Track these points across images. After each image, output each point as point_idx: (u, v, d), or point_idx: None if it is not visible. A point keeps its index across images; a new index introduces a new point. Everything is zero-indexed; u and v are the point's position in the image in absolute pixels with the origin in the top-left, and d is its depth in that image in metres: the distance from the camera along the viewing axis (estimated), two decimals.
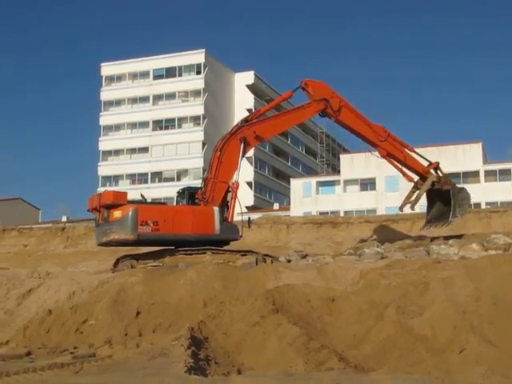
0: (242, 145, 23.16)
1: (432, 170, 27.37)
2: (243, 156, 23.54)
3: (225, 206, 23.00)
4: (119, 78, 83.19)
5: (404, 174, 27.98)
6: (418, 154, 27.26)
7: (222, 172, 22.88)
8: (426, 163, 27.46)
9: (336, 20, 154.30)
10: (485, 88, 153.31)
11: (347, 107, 25.57)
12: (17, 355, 14.51)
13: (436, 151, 61.79)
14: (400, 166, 27.53)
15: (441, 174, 27.53)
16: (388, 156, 26.91)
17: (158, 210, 22.97)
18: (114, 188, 79.44)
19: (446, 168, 60.19)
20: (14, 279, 19.78)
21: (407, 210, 28.63)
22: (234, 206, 22.73)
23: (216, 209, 22.08)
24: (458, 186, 29.10)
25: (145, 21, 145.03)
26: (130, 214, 21.57)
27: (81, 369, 12.37)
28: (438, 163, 27.55)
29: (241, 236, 22.59)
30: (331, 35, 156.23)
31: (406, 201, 27.89)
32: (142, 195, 24.80)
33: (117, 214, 21.57)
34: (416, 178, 27.91)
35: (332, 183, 68.07)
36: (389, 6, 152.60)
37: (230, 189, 22.93)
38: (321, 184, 68.45)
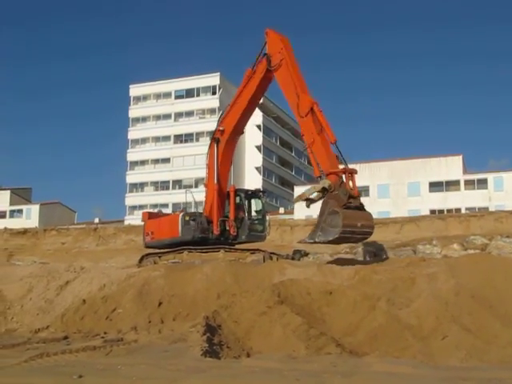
0: (216, 145, 21.73)
1: (333, 177, 18.23)
2: (225, 156, 21.92)
3: (222, 209, 21.92)
4: (145, 97, 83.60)
5: (314, 166, 19.14)
6: (340, 154, 18.91)
7: (210, 178, 22.06)
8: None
9: (341, 32, 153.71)
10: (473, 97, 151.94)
11: (287, 67, 19.29)
12: (55, 339, 14.57)
13: (421, 163, 61.80)
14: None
15: (347, 186, 17.96)
16: (303, 137, 19.72)
17: (155, 221, 23.93)
18: (139, 194, 79.72)
19: (430, 178, 60.79)
20: (53, 272, 19.81)
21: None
22: (231, 208, 21.65)
23: (180, 215, 22.34)
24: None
25: (167, 44, 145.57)
26: (143, 226, 24.37)
27: (110, 351, 12.39)
28: (347, 171, 18.25)
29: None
30: (334, 47, 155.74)
31: (301, 196, 19.87)
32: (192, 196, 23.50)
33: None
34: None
35: None
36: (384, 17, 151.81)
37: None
38: None
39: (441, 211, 53.16)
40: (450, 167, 61.09)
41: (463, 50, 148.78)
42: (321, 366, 10.38)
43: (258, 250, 21.56)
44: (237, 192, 22.02)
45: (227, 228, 21.40)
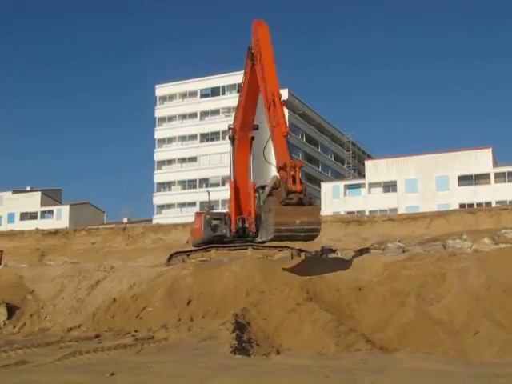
0: (231, 143, 22.32)
1: (282, 172, 17.07)
2: (241, 154, 22.26)
3: (241, 207, 21.82)
4: (171, 97, 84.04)
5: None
6: (288, 146, 17.71)
7: (231, 176, 22.39)
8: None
9: (354, 28, 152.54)
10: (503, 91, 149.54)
11: (260, 60, 18.70)
12: (87, 337, 14.77)
13: (450, 156, 61.08)
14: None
15: (287, 182, 16.52)
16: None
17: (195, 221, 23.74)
18: (166, 193, 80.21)
19: (460, 171, 60.05)
20: (83, 272, 20.06)
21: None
22: (251, 205, 21.39)
23: (203, 215, 22.30)
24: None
25: (192, 44, 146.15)
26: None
27: (141, 349, 12.51)
28: (288, 165, 16.79)
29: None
30: (356, 44, 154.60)
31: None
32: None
33: None
34: None
35: (358, 186, 67.79)
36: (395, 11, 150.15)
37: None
38: (348, 187, 68.22)
39: (470, 205, 52.41)
40: (480, 160, 60.22)
41: (490, 45, 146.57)
42: (351, 362, 10.34)
43: (286, 247, 21.49)
44: (256, 189, 21.98)
45: (247, 226, 21.24)
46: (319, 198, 72.81)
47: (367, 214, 56.26)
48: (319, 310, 13.88)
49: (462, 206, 53.23)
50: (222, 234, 21.66)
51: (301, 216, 16.18)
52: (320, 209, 16.86)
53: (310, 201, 16.62)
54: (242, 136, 22.16)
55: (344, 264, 18.42)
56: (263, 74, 18.58)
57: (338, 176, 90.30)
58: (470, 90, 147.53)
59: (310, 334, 12.97)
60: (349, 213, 57.71)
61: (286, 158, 17.18)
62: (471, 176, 59.53)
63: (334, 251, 24.46)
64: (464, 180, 60.03)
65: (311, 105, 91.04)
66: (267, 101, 18.40)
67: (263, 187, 22.01)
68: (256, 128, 22.38)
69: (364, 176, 69.06)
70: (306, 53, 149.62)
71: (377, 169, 65.44)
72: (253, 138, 22.44)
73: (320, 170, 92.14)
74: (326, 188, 69.23)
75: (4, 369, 10.07)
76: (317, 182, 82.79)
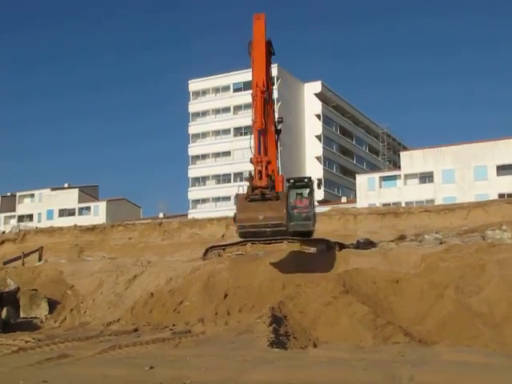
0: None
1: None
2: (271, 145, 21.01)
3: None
4: (204, 92, 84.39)
5: None
6: (260, 141, 17.05)
7: None
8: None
9: (391, 20, 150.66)
10: None
11: (252, 53, 18.60)
12: (126, 331, 14.97)
13: (488, 146, 60.00)
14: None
15: (254, 178, 16.64)
16: None
17: None
18: (201, 187, 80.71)
19: (498, 161, 58.91)
20: (121, 267, 20.31)
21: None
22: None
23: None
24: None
25: (224, 38, 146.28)
26: None
27: (179, 343, 12.63)
28: (253, 160, 16.84)
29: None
30: (389, 36, 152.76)
31: None
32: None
33: None
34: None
35: (393, 178, 67.11)
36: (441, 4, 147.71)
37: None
38: (383, 179, 67.59)
39: (510, 195, 51.42)
40: None
41: None
42: (389, 355, 10.27)
43: (321, 239, 21.43)
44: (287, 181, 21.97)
45: None
46: (354, 190, 72.42)
47: (403, 205, 55.70)
48: (356, 302, 13.82)
49: (501, 196, 52.20)
50: None
51: (264, 211, 15.88)
52: (285, 203, 16.24)
53: (276, 196, 16.20)
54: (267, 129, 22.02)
55: (380, 256, 18.28)
56: (252, 67, 18.52)
57: (373, 168, 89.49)
58: (506, 80, 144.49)
59: (347, 327, 12.93)
60: (384, 205, 57.15)
61: (256, 154, 16.81)
62: (511, 165, 58.35)
63: (370, 243, 24.30)
64: (503, 169, 58.81)
65: (345, 97, 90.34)
66: (252, 94, 18.03)
67: (290, 180, 21.99)
68: (280, 121, 22.23)
69: (399, 167, 68.31)
70: (340, 45, 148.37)
71: (412, 160, 64.67)
72: (279, 131, 22.20)
73: (355, 162, 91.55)
74: (361, 180, 68.70)
75: (47, 362, 10.29)
76: (352, 174, 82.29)
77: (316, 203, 21.74)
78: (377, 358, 9.93)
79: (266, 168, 16.30)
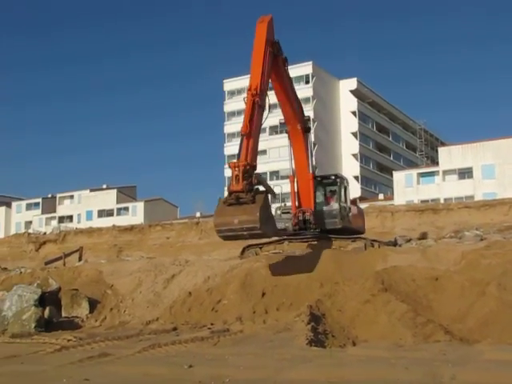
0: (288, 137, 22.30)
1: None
2: (296, 147, 21.92)
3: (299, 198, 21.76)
4: (239, 91, 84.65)
5: None
6: (239, 148, 17.32)
7: (290, 169, 22.47)
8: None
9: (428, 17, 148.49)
10: None
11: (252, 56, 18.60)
12: (165, 330, 15.10)
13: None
14: None
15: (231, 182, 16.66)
16: None
17: None
18: None
19: None
20: (159, 266, 20.48)
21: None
22: (310, 196, 21.32)
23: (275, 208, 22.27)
24: None
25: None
26: None
27: (218, 341, 12.69)
28: (232, 164, 16.78)
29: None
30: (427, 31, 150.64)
31: None
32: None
33: None
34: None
35: (431, 174, 66.33)
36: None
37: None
38: (421, 175, 66.86)
39: None
40: None
41: None
42: (430, 354, 10.14)
43: (358, 237, 21.30)
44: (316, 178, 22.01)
45: (308, 218, 21.11)
46: (391, 187, 71.72)
47: (442, 202, 54.96)
48: (395, 300, 13.67)
49: None
50: (283, 227, 21.76)
51: (239, 215, 15.97)
52: (261, 206, 16.01)
53: (252, 199, 16.11)
54: (291, 129, 21.99)
55: (419, 253, 18.05)
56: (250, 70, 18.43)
57: (411, 164, 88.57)
58: None
59: (386, 326, 12.80)
60: (422, 201, 56.53)
61: (241, 158, 16.91)
62: None
63: (408, 240, 24.04)
64: None
65: (381, 92, 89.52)
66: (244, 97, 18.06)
67: (316, 177, 21.95)
68: (308, 118, 22.22)
69: (437, 163, 67.45)
70: (376, 41, 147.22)
71: (451, 155, 63.76)
72: (307, 130, 22.10)
73: (392, 158, 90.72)
74: (399, 177, 68.05)
75: (88, 360, 10.46)
76: (388, 171, 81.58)
77: (344, 200, 21.50)
78: (417, 357, 9.81)
79: (243, 172, 16.33)
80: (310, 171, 21.52)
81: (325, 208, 21.37)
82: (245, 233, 16.21)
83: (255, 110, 17.58)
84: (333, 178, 22.26)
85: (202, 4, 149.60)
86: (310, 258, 18.58)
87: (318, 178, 21.97)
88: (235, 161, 16.80)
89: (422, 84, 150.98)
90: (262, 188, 17.24)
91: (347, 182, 22.30)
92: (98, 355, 10.92)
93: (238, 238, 17.28)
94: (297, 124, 21.74)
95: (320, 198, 21.77)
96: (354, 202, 23.87)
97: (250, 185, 16.33)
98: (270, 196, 17.61)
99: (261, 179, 17.44)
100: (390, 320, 12.88)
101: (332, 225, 20.95)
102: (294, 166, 22.05)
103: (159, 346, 11.89)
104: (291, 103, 21.43)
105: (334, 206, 21.18)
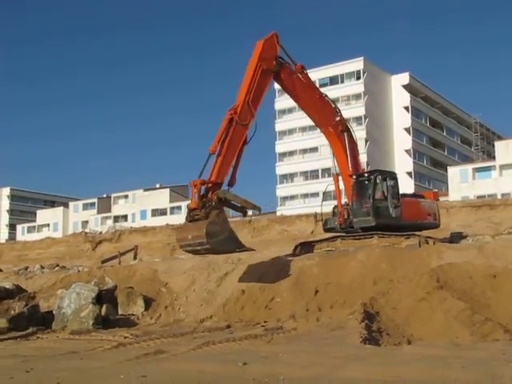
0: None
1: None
2: (337, 147, 22.43)
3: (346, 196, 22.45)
4: None
5: None
6: (204, 165, 17.89)
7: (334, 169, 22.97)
8: None
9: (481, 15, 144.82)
10: None
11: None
12: (219, 328, 15.25)
13: None
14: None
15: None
16: None
17: None
18: (289, 184, 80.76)
19: None
20: (213, 265, 20.66)
21: None
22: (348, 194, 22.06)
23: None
24: None
25: (309, 35, 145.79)
26: None
27: (271, 339, 12.73)
28: (192, 183, 17.76)
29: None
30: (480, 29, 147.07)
31: None
32: None
33: None
34: None
35: (488, 169, 64.69)
36: None
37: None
38: (477, 170, 65.31)
39: None
40: None
41: None
42: (488, 353, 9.91)
43: (412, 234, 20.95)
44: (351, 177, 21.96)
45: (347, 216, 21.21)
46: (445, 182, 70.33)
47: (499, 197, 53.55)
48: (451, 298, 13.40)
49: None
50: (331, 226, 21.85)
51: (191, 231, 17.04)
52: (209, 222, 16.77)
53: (206, 215, 16.99)
54: (324, 131, 22.26)
55: (476, 250, 17.64)
56: None
57: (466, 159, 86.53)
58: None
59: (442, 324, 12.57)
60: (478, 197, 55.22)
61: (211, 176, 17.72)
62: None
63: (464, 237, 23.51)
64: None
65: (434, 87, 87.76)
66: None
67: (352, 176, 21.75)
68: (341, 120, 22.08)
69: (494, 158, 65.72)
70: (428, 38, 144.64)
71: (508, 149, 62.02)
72: (343, 130, 22.05)
73: (446, 153, 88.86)
74: (453, 172, 66.65)
75: (145, 357, 10.66)
76: (443, 166, 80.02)
77: (381, 197, 21.24)
78: (475, 356, 9.60)
79: (199, 190, 17.37)
80: (350, 170, 21.64)
81: (355, 207, 21.33)
82: (198, 248, 17.11)
83: (231, 127, 18.12)
84: (366, 175, 22.01)
85: (256, 4, 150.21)
86: (363, 255, 18.40)
87: (354, 176, 21.85)
88: (196, 179, 17.52)
89: (476, 79, 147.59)
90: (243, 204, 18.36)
91: (392, 178, 21.81)
92: (153, 352, 11.12)
93: (196, 253, 18.11)
94: (327, 127, 21.84)
95: (357, 196, 21.68)
96: (424, 195, 23.99)
97: (206, 202, 17.20)
98: (251, 210, 19.13)
99: (228, 196, 17.94)
100: (446, 318, 12.64)
101: (366, 223, 20.78)
102: (336, 165, 22.25)
103: (213, 343, 12.01)
104: (311, 109, 21.63)
105: (367, 203, 21.08)
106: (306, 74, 20.98)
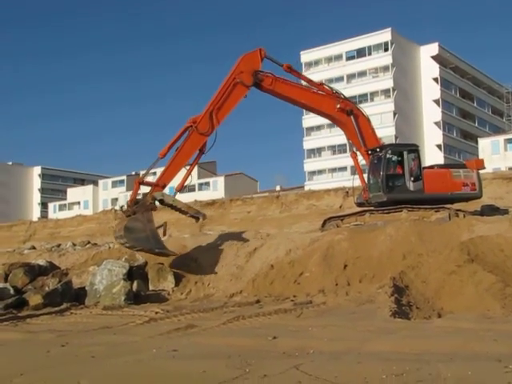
0: None
1: None
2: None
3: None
4: (316, 62, 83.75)
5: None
6: (151, 168, 19.84)
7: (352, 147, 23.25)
8: None
9: None
10: None
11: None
12: (249, 302, 15.39)
13: None
14: None
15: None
16: None
17: None
18: (317, 159, 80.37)
19: None
20: (241, 240, 20.77)
21: None
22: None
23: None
24: None
25: (333, 6, 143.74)
26: None
27: (301, 313, 12.80)
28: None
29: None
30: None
31: None
32: None
33: None
34: None
35: None
36: None
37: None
38: (509, 141, 64.16)
39: None
40: None
41: None
42: None
43: (442, 207, 20.75)
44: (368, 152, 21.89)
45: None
46: (476, 154, 69.29)
47: None
48: (482, 271, 13.28)
49: None
50: (362, 201, 21.84)
51: (119, 225, 19.36)
52: (130, 218, 18.49)
53: (133, 212, 18.61)
54: (329, 118, 22.79)
55: (507, 223, 17.41)
56: None
57: (497, 130, 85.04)
58: None
59: (472, 297, 12.48)
60: (510, 168, 54.33)
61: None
62: None
63: (495, 210, 23.19)
64: None
65: (464, 57, 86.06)
66: None
67: (367, 151, 21.59)
68: (343, 105, 21.89)
69: None
70: (457, 8, 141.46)
71: None
72: (348, 113, 21.84)
73: (476, 125, 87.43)
74: (484, 144, 65.61)
75: (175, 332, 10.82)
76: (473, 138, 78.90)
77: (393, 171, 21.10)
78: (507, 329, 9.53)
79: (137, 188, 19.54)
80: (366, 146, 21.63)
81: (371, 182, 21.42)
82: (120, 241, 18.84)
83: (189, 135, 19.40)
84: (377, 150, 21.78)
85: None
86: (392, 229, 18.31)
87: (369, 152, 21.75)
88: (139, 179, 19.75)
89: (507, 49, 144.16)
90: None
91: (411, 151, 21.52)
92: (184, 327, 11.27)
93: (123, 245, 19.37)
94: (332, 115, 21.81)
95: (372, 171, 21.68)
96: (459, 165, 24.36)
97: (141, 200, 18.94)
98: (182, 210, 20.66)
99: (166, 198, 19.61)
100: (477, 291, 12.55)
101: (379, 198, 20.78)
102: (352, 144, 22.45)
103: (243, 318, 12.12)
104: (309, 105, 22.02)
105: (376, 178, 21.10)
106: (297, 71, 21.63)
